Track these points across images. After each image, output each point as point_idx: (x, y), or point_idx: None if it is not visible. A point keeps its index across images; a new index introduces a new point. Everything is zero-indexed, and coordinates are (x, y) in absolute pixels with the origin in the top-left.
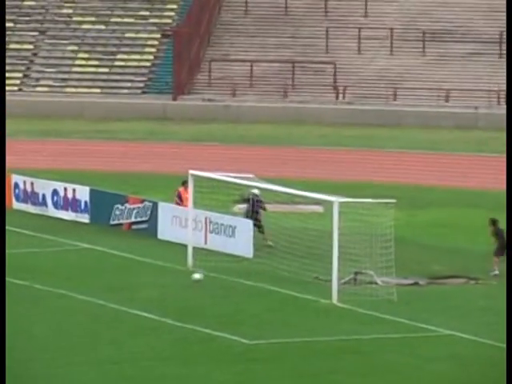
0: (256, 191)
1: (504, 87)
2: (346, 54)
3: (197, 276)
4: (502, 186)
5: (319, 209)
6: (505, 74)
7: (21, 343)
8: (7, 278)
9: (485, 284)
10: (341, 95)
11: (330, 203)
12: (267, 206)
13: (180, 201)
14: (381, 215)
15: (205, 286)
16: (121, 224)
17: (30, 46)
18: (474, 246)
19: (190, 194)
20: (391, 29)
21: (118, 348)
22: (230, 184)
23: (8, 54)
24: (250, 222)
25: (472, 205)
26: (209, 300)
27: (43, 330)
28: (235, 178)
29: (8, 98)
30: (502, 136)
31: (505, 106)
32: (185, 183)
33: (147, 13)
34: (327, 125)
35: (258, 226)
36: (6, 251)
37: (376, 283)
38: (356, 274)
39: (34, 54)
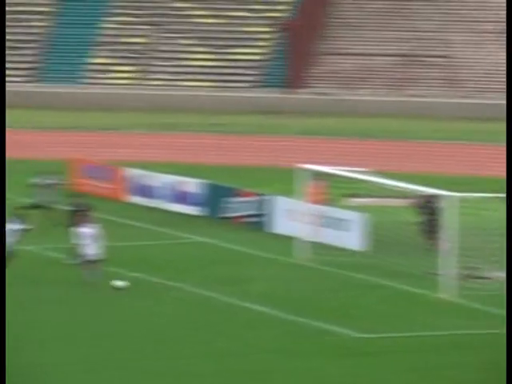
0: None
1: None
2: (463, 48)
3: (119, 283)
4: None
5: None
6: None
7: (137, 334)
8: (121, 270)
9: None
10: (457, 89)
11: (446, 198)
12: (378, 201)
13: (310, 195)
14: (491, 209)
15: (316, 280)
16: (233, 217)
17: (145, 40)
18: None
19: (313, 189)
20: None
21: (232, 341)
22: (342, 178)
23: (122, 47)
24: (363, 216)
25: None
26: (320, 293)
27: (157, 321)
28: (348, 171)
29: (124, 91)
30: None
31: None
32: (316, 176)
33: (261, 6)
34: (443, 119)
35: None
36: (122, 244)
37: (488, 278)
38: (468, 268)
39: (149, 49)
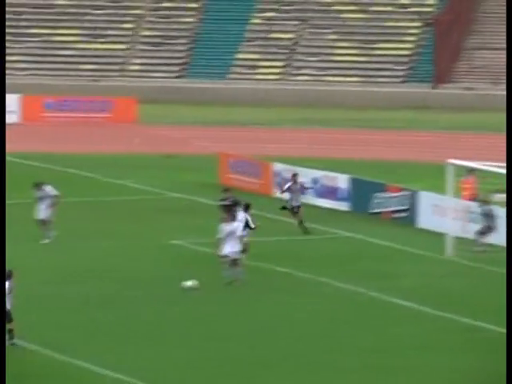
0: None
1: None
2: None
3: (189, 283)
4: None
5: None
6: None
7: (282, 330)
8: (269, 265)
9: None
10: None
11: None
12: None
13: (462, 190)
14: None
15: (466, 276)
16: (380, 212)
17: (293, 36)
18: None
19: (449, 184)
20: None
21: (379, 336)
22: (492, 173)
23: (270, 43)
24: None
25: None
26: (470, 290)
27: (303, 316)
28: (494, 166)
29: (271, 87)
30: None
31: None
32: (469, 172)
33: (407, 1)
34: None
35: None
36: (271, 239)
37: None
38: None
39: (297, 44)
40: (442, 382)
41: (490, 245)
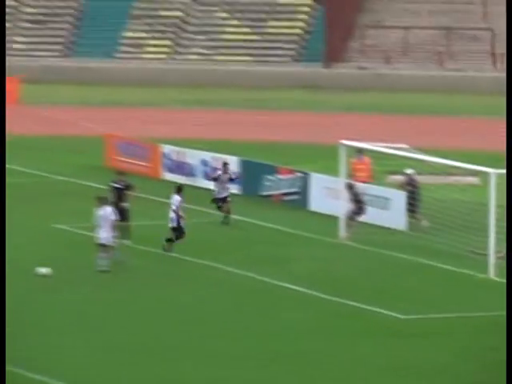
0: (410, 171)
1: None
2: (504, 21)
3: (43, 270)
4: None
5: (476, 181)
6: None
7: (167, 315)
8: (157, 250)
9: None
10: (498, 63)
11: (487, 175)
12: (421, 178)
13: (354, 171)
14: None
15: (358, 260)
16: (271, 195)
17: (181, 14)
18: None
19: (342, 165)
20: None
21: (269, 321)
22: (382, 154)
23: (157, 21)
24: (404, 194)
25: None
26: (363, 274)
27: (190, 301)
28: (388, 148)
29: (159, 66)
30: None
31: None
32: (359, 152)
33: None
34: (485, 93)
35: (412, 210)
36: (158, 222)
37: None
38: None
39: (185, 22)
40: (333, 367)
41: (387, 228)
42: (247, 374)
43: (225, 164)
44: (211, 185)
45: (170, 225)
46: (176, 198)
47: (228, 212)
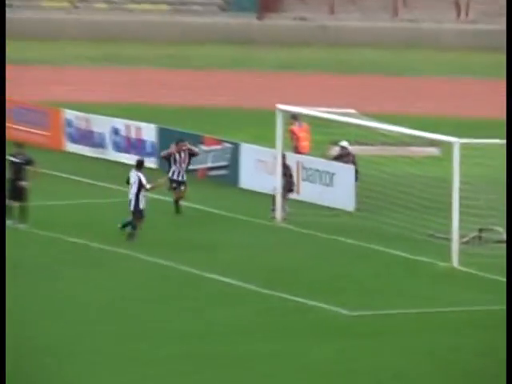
0: (344, 143)
1: None
2: None
3: None
4: None
5: (435, 152)
6: None
7: (70, 312)
8: (61, 236)
9: None
10: (463, 12)
11: (449, 145)
12: (369, 149)
13: (296, 140)
14: (497, 157)
15: (297, 245)
16: (195, 170)
17: None
18: None
19: (278, 133)
20: None
21: (195, 319)
22: (326, 121)
23: None
24: (352, 168)
25: None
26: (302, 262)
27: (107, 295)
28: (332, 113)
29: (60, 16)
30: None
31: None
32: (295, 118)
33: None
34: (447, 49)
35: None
36: (60, 203)
37: (505, 242)
38: (481, 230)
39: None
40: (273, 373)
41: (332, 208)
42: (170, 382)
43: (180, 141)
44: (124, 157)
45: (130, 208)
46: (136, 175)
47: (178, 200)
